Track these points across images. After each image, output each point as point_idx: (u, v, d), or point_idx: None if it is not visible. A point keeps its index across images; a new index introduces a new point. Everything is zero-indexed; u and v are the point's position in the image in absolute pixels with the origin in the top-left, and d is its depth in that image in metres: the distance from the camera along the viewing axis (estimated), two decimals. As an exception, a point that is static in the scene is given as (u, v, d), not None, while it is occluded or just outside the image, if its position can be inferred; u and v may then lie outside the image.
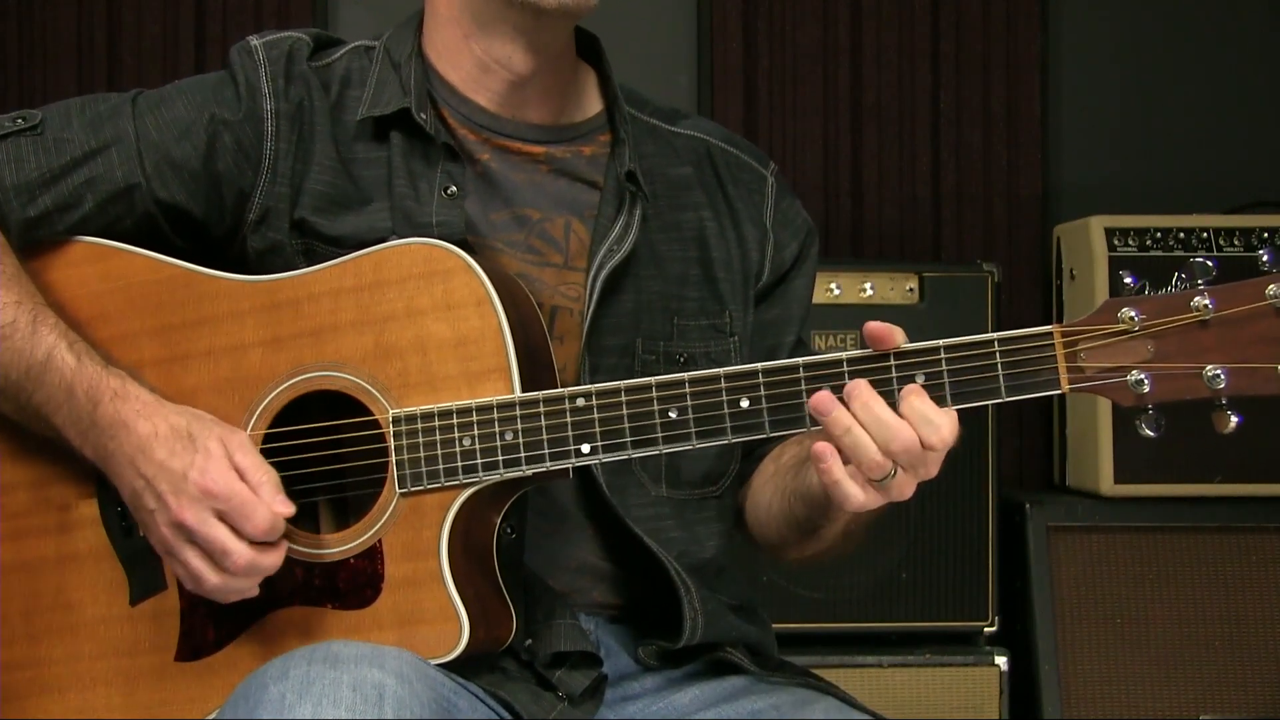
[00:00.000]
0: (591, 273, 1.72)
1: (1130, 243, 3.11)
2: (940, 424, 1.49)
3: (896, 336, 1.52)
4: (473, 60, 1.77)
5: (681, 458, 1.72)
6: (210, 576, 1.56)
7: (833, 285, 3.06)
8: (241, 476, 1.56)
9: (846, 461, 1.50)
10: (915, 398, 1.49)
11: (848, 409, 1.49)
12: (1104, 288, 3.08)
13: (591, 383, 1.68)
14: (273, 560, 1.57)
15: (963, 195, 3.61)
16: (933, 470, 1.51)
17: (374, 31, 1.85)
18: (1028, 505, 3.07)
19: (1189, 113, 3.67)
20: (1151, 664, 3.01)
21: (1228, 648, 3.01)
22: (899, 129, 3.61)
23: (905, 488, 1.51)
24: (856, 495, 1.50)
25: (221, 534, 1.55)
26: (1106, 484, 3.08)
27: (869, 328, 1.52)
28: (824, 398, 1.49)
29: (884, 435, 1.48)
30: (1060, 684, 2.99)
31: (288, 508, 1.56)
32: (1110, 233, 3.12)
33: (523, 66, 1.75)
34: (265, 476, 1.56)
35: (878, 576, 3.05)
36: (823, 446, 1.49)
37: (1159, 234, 3.11)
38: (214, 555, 1.55)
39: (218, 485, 1.55)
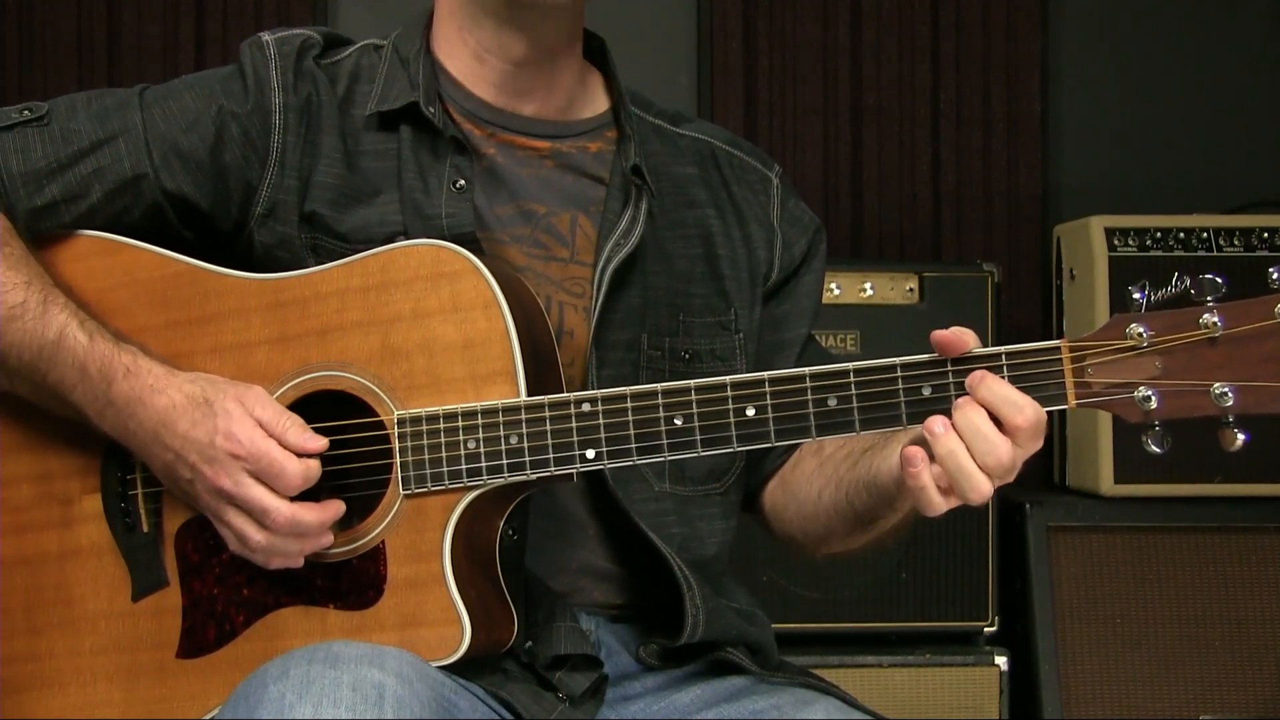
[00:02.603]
0: (599, 267, 1.73)
1: (1130, 243, 3.11)
2: (1024, 404, 1.48)
3: (969, 340, 1.51)
4: (469, 51, 1.78)
5: (687, 457, 1.72)
6: (254, 534, 1.56)
7: (833, 285, 3.07)
8: (266, 431, 1.56)
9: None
10: (994, 382, 1.48)
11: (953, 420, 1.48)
12: (1104, 288, 3.08)
13: (598, 377, 1.69)
14: (315, 517, 1.57)
15: (963, 195, 3.62)
16: (1010, 479, 1.50)
17: (375, 31, 1.86)
18: (1028, 505, 3.07)
19: (1189, 113, 3.67)
20: (1151, 664, 3.01)
21: (1228, 648, 3.01)
22: (899, 129, 3.61)
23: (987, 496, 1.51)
24: (939, 503, 1.50)
25: (259, 493, 1.55)
26: (1106, 484, 3.08)
27: (936, 337, 1.51)
28: (939, 422, 1.48)
29: (983, 448, 1.47)
30: (1060, 684, 3.00)
31: (319, 442, 1.57)
32: (1110, 233, 3.12)
33: (514, 54, 1.76)
34: (289, 422, 1.57)
35: (878, 576, 3.05)
36: (914, 451, 1.49)
37: (1159, 234, 3.11)
38: (255, 515, 1.56)
39: (243, 447, 1.55)
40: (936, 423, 1.48)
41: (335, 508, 1.58)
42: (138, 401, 1.60)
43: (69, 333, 1.62)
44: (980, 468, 1.47)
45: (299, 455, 1.56)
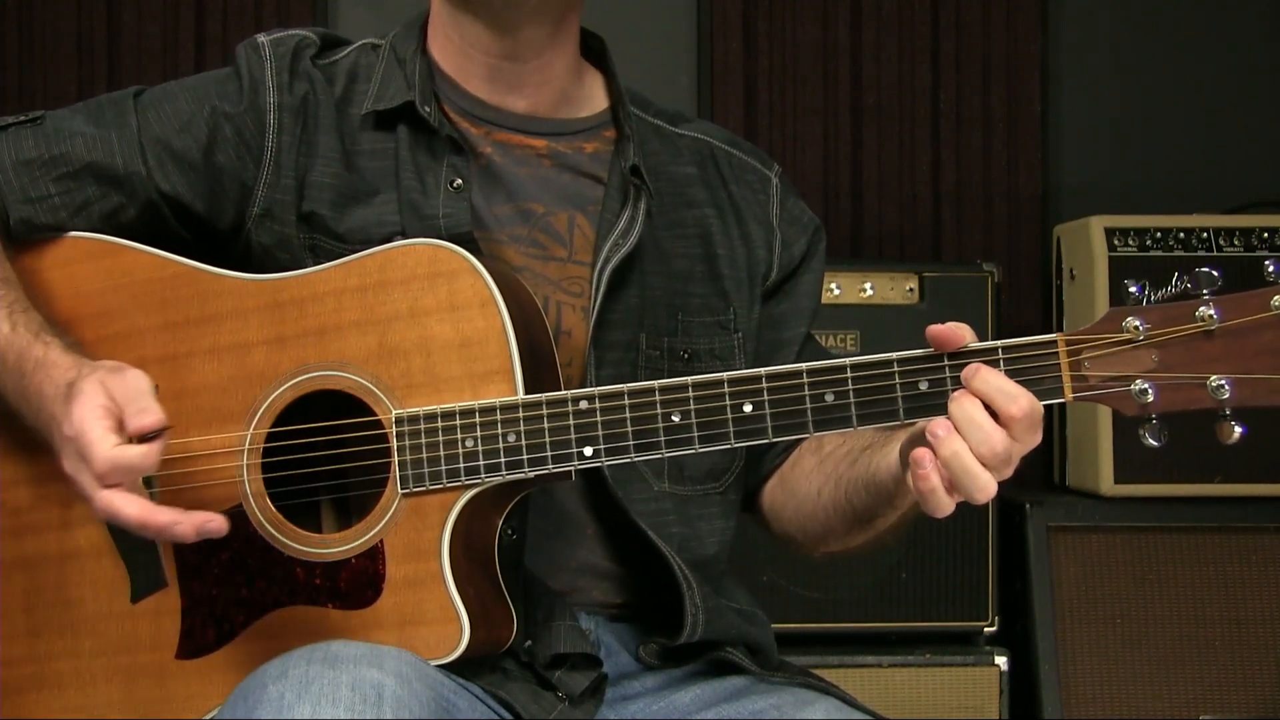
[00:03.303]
0: (598, 267, 1.73)
1: (1130, 243, 3.11)
2: (1018, 394, 1.48)
3: (965, 334, 1.51)
4: (455, 48, 1.79)
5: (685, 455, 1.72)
6: (112, 468, 1.50)
7: (833, 285, 3.07)
8: (107, 409, 1.51)
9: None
10: (988, 372, 1.48)
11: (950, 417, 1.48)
12: (1104, 288, 3.08)
13: (597, 377, 1.69)
14: (137, 453, 1.50)
15: (963, 195, 3.62)
16: (1007, 472, 1.50)
17: (374, 31, 1.86)
18: (1028, 505, 3.07)
19: (1189, 113, 3.67)
20: (1151, 664, 3.01)
21: (1228, 648, 3.01)
22: (899, 129, 3.62)
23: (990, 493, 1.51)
24: (948, 505, 1.50)
25: (98, 427, 1.50)
26: (1106, 484, 3.08)
27: (932, 332, 1.51)
28: (941, 425, 1.48)
29: (977, 437, 1.47)
30: (1060, 684, 3.00)
31: (154, 417, 1.51)
32: (1110, 233, 3.12)
33: (492, 48, 1.76)
34: (137, 406, 1.52)
35: (878, 576, 3.05)
36: (923, 453, 1.48)
37: (1159, 234, 3.11)
38: (97, 453, 1.50)
39: (72, 427, 1.51)
40: (939, 426, 1.48)
41: (157, 447, 1.52)
42: (39, 395, 1.59)
43: None
44: (976, 458, 1.47)
45: (139, 438, 1.52)
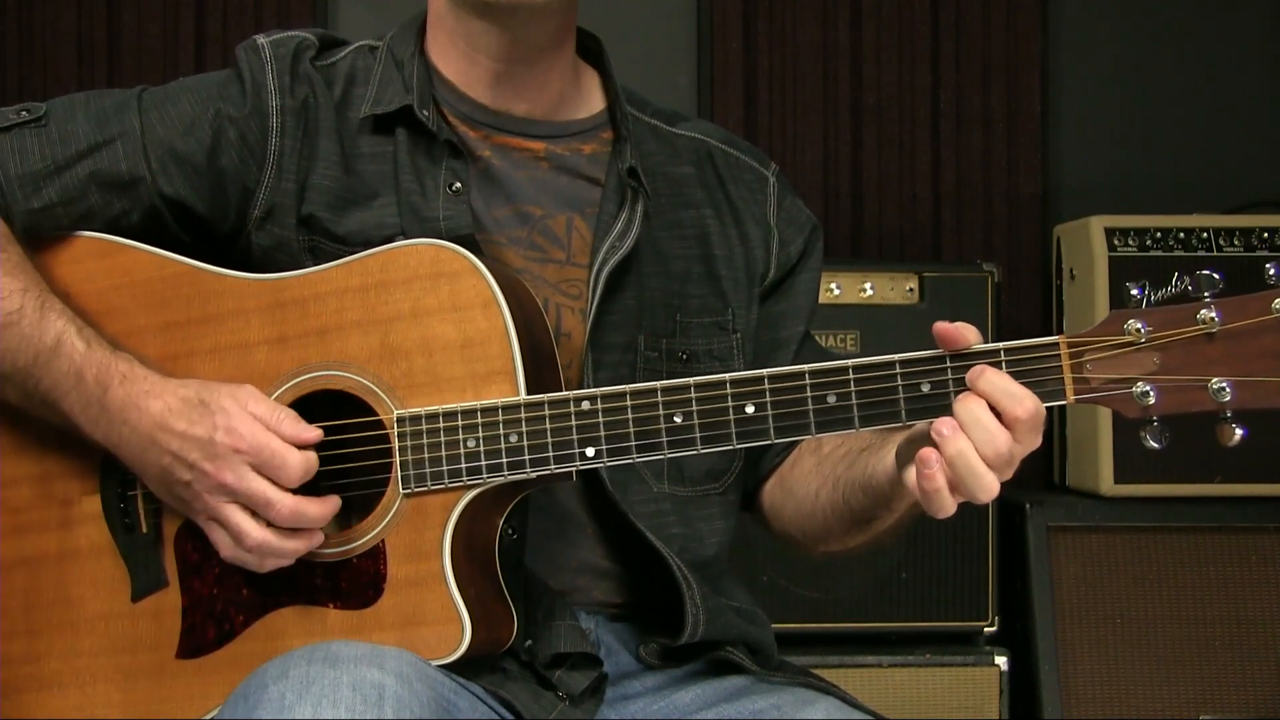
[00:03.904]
0: (594, 269, 1.73)
1: (1130, 243, 3.11)
2: (1023, 396, 1.48)
3: (970, 336, 1.51)
4: (459, 53, 1.78)
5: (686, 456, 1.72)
6: (253, 531, 1.56)
7: (833, 285, 3.06)
8: (263, 425, 1.57)
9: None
10: (994, 374, 1.49)
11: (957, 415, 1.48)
12: (1104, 288, 3.08)
13: (595, 379, 1.69)
14: (317, 510, 1.57)
15: (963, 195, 3.61)
16: (1009, 473, 1.50)
17: (374, 31, 1.86)
18: (1028, 505, 3.07)
19: (1189, 113, 3.67)
20: (1151, 664, 3.01)
21: (1228, 648, 3.01)
22: (899, 129, 3.61)
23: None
24: (950, 506, 1.50)
25: (262, 486, 1.55)
26: (1106, 484, 3.08)
27: (939, 329, 1.51)
28: (946, 424, 1.48)
29: (982, 438, 1.47)
30: (1060, 684, 2.99)
31: (313, 432, 1.57)
32: (1110, 233, 3.12)
33: (499, 54, 1.76)
34: (283, 415, 1.57)
35: (878, 576, 3.05)
36: (929, 453, 1.48)
37: (1159, 234, 3.11)
38: (258, 508, 1.56)
39: (245, 440, 1.55)
40: (944, 425, 1.48)
41: (334, 502, 1.59)
42: (132, 407, 1.59)
43: (66, 339, 1.62)
44: (980, 459, 1.47)
45: (297, 447, 1.57)
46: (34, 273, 1.67)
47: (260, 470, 1.55)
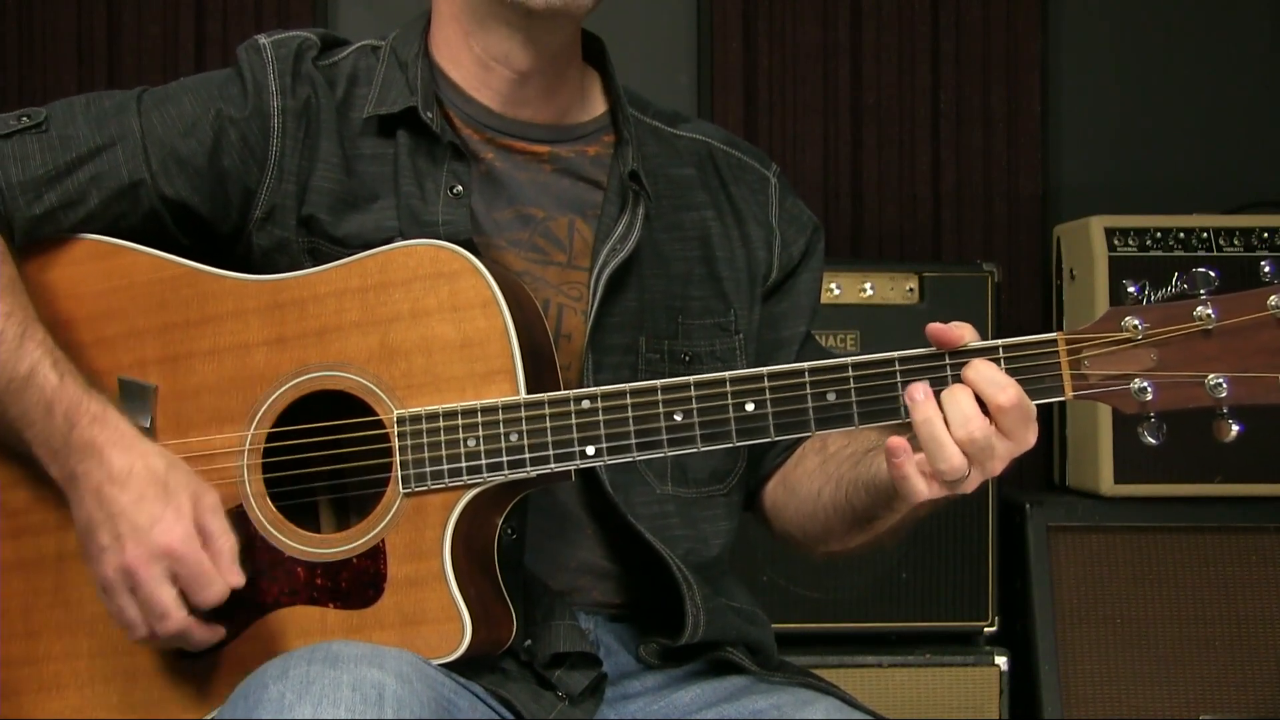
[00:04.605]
0: (595, 271, 1.73)
1: (1130, 243, 3.11)
2: (1005, 384, 1.49)
3: (965, 333, 1.52)
4: (473, 59, 1.77)
5: (688, 456, 1.72)
6: (140, 629, 1.56)
7: (833, 285, 3.07)
8: (205, 540, 1.55)
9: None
10: (980, 363, 1.50)
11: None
12: (1104, 288, 3.08)
13: (595, 382, 1.69)
14: (204, 636, 1.57)
15: (963, 195, 3.62)
16: (998, 467, 1.51)
17: (375, 31, 1.85)
18: (1028, 505, 3.07)
19: (1189, 113, 3.67)
20: (1151, 664, 3.01)
21: (1228, 648, 3.01)
22: (899, 129, 3.61)
23: (970, 483, 1.52)
24: (922, 489, 1.51)
25: (166, 597, 1.54)
26: (1106, 484, 3.08)
27: (932, 330, 1.52)
28: (920, 389, 1.50)
29: (956, 416, 1.48)
30: (1060, 684, 3.00)
31: (239, 578, 1.55)
32: (1110, 233, 3.12)
33: (521, 64, 1.75)
34: (226, 544, 1.55)
35: (878, 576, 3.05)
36: (898, 441, 1.50)
37: (1159, 234, 3.11)
38: (150, 613, 1.55)
39: (180, 548, 1.53)
40: (917, 389, 1.49)
41: (220, 631, 1.58)
42: (95, 450, 1.57)
43: (40, 370, 1.60)
44: (954, 439, 1.48)
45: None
46: (23, 296, 1.65)
47: (177, 580, 1.54)
